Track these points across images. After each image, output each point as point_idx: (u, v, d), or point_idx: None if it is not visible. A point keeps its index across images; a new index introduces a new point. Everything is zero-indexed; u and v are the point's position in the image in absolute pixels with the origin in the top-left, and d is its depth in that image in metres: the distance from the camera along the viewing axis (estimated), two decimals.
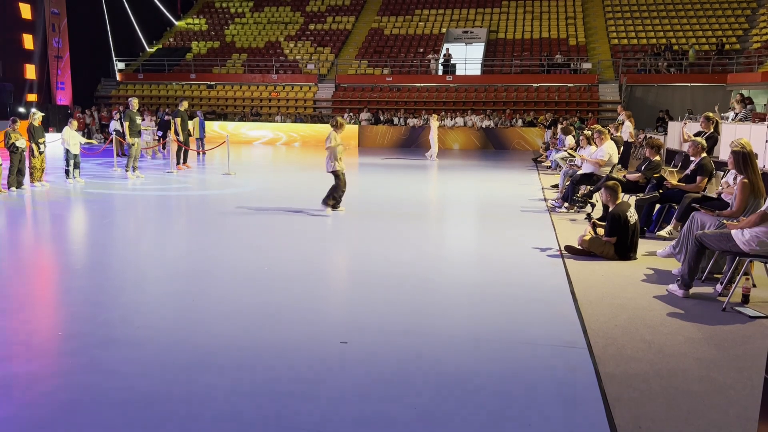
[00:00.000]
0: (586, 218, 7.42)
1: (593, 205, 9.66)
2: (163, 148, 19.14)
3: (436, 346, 4.29)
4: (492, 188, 12.94)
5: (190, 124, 17.42)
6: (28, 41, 28.15)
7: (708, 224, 5.80)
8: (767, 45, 25.50)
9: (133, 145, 13.82)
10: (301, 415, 3.35)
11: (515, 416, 3.36)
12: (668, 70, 26.78)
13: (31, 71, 28.37)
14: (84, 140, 13.47)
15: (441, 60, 29.84)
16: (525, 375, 3.86)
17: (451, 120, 25.89)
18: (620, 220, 6.63)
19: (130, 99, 14.73)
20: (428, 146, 20.20)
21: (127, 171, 13.83)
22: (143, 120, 16.02)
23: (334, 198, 9.34)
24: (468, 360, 4.08)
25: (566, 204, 9.90)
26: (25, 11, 27.87)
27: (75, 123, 13.31)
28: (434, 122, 20.24)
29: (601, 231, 6.98)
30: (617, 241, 6.66)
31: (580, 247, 6.87)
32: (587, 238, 6.87)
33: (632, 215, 6.72)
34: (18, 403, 3.44)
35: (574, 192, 9.90)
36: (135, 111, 14.30)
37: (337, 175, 9.23)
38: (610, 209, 6.87)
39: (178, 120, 15.81)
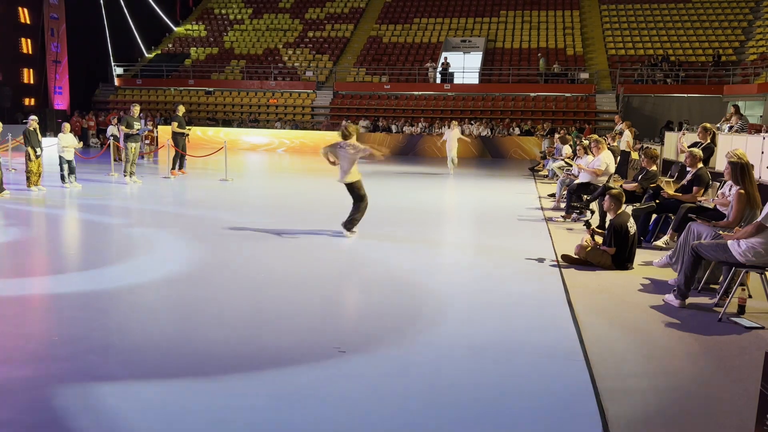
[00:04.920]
0: (584, 225, 7.43)
1: (592, 212, 9.69)
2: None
3: (431, 356, 4.28)
4: (489, 197, 12.95)
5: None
6: (26, 45, 28.16)
7: (704, 234, 5.81)
8: (763, 57, 25.65)
9: (129, 150, 13.81)
10: (297, 422, 3.34)
11: (511, 428, 3.36)
12: (665, 81, 26.92)
13: (29, 76, 28.37)
14: (79, 144, 13.42)
15: (439, 68, 29.93)
16: (521, 385, 3.85)
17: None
18: (621, 231, 6.64)
19: (132, 105, 14.77)
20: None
21: (125, 176, 13.82)
22: (142, 126, 15.95)
23: (354, 219, 8.23)
24: (463, 370, 4.07)
25: (563, 214, 9.92)
26: (24, 16, 27.90)
27: (67, 126, 13.27)
28: (455, 129, 17.99)
29: (599, 239, 6.99)
30: (616, 251, 6.67)
31: (577, 257, 6.88)
32: (585, 246, 6.87)
33: (632, 226, 6.74)
34: (14, 407, 3.43)
35: (571, 201, 9.93)
36: (134, 117, 14.29)
37: (356, 187, 8.13)
38: (611, 218, 6.88)
39: (174, 124, 15.79)
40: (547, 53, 29.95)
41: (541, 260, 7.07)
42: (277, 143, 26.63)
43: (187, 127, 16.41)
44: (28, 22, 28.20)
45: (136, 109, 14.53)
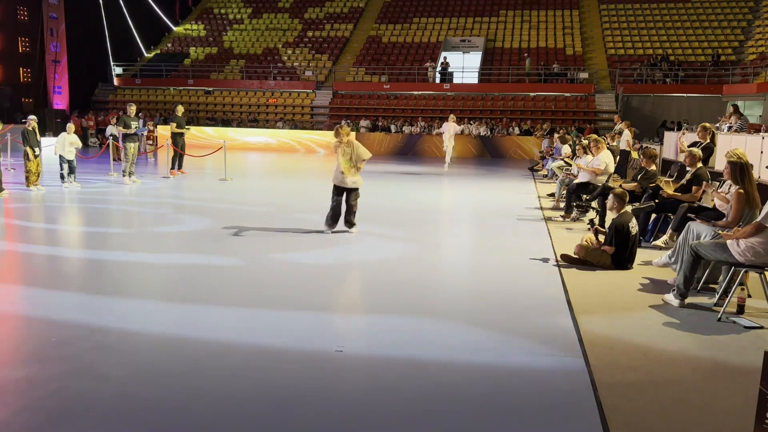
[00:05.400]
0: (588, 223, 7.42)
1: (598, 211, 9.68)
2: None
3: (430, 355, 4.28)
4: (488, 196, 12.95)
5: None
6: (25, 45, 28.14)
7: (703, 234, 5.81)
8: (762, 56, 25.67)
9: (128, 150, 13.80)
10: (295, 422, 3.33)
11: (511, 425, 3.35)
12: (664, 81, 26.93)
13: (28, 75, 28.35)
14: (80, 144, 13.43)
15: (438, 68, 29.93)
16: (520, 384, 3.85)
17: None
18: (623, 230, 6.64)
19: (128, 105, 14.74)
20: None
21: (124, 176, 13.82)
22: (140, 127, 15.91)
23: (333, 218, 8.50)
24: (463, 368, 4.07)
25: (562, 213, 9.92)
26: (23, 15, 27.88)
27: (72, 126, 13.32)
28: (452, 123, 17.47)
29: (602, 238, 6.98)
30: (616, 251, 6.66)
31: (576, 256, 6.87)
32: (586, 245, 6.86)
33: (634, 226, 6.74)
34: (11, 408, 3.42)
35: (571, 201, 9.93)
36: (131, 116, 14.27)
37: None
38: (613, 218, 6.87)
39: (173, 125, 15.79)
40: (546, 53, 29.96)
41: (540, 260, 7.07)
42: (279, 143, 26.58)
43: (186, 127, 16.41)
44: (28, 21, 28.18)
45: (132, 109, 14.48)
